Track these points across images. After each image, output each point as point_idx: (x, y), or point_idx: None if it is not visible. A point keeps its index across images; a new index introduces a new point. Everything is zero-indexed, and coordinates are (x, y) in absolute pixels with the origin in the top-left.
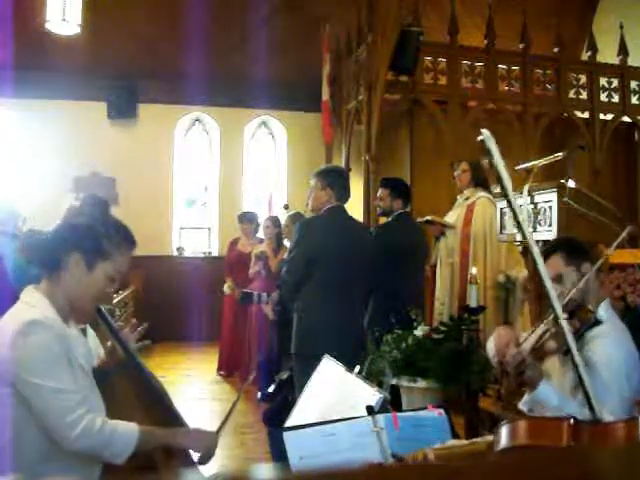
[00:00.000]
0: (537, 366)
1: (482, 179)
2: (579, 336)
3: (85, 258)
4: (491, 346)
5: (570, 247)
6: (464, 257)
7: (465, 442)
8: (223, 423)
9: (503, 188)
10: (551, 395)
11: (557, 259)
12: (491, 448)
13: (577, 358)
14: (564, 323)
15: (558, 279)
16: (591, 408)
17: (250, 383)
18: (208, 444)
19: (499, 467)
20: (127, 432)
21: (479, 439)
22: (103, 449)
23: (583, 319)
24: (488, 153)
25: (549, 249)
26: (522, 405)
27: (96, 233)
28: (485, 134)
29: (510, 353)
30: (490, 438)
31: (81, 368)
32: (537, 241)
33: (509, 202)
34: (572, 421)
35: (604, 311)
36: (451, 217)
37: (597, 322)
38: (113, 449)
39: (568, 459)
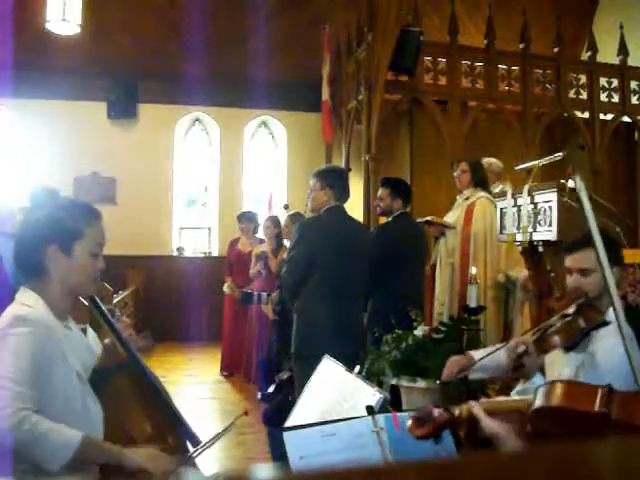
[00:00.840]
0: (536, 357)
1: (482, 179)
2: (584, 334)
3: (60, 246)
4: (447, 373)
5: (610, 247)
6: (464, 257)
7: (509, 399)
8: (201, 448)
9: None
10: None
11: (592, 254)
12: (530, 407)
13: (625, 330)
14: (620, 313)
15: (584, 272)
16: (636, 381)
17: (237, 420)
18: (163, 469)
19: (498, 463)
20: (65, 437)
21: (518, 397)
22: (31, 448)
23: (591, 319)
24: (577, 199)
25: (588, 240)
26: (514, 394)
27: (58, 219)
28: (577, 179)
29: (519, 340)
30: (531, 397)
31: (74, 368)
32: (537, 241)
33: (596, 249)
34: (607, 388)
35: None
36: (451, 217)
37: (605, 323)
38: (43, 451)
39: (568, 457)
